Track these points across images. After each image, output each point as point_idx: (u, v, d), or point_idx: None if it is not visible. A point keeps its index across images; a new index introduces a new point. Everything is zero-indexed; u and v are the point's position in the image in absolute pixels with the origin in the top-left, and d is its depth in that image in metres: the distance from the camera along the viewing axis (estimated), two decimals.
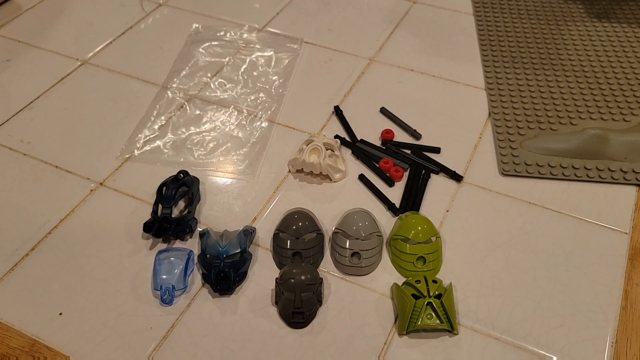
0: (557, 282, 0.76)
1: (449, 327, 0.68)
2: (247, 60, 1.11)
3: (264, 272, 0.77)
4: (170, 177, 0.85)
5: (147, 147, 0.94)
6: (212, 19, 1.21)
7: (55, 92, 1.04)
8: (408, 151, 0.93)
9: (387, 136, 0.94)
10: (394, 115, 0.98)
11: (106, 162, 0.91)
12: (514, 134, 0.95)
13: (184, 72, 1.08)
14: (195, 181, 0.86)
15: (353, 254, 0.77)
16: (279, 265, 0.77)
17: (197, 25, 1.19)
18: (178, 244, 0.80)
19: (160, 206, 0.82)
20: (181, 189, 0.84)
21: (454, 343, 0.70)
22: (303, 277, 0.71)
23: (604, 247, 0.80)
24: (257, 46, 1.14)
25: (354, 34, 1.17)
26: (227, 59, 1.11)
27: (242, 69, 1.08)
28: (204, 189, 0.87)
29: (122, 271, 0.77)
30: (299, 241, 0.77)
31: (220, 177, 0.90)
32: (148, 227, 0.79)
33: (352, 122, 0.98)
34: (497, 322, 0.72)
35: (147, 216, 0.83)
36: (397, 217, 0.83)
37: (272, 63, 1.10)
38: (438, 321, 0.68)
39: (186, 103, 1.02)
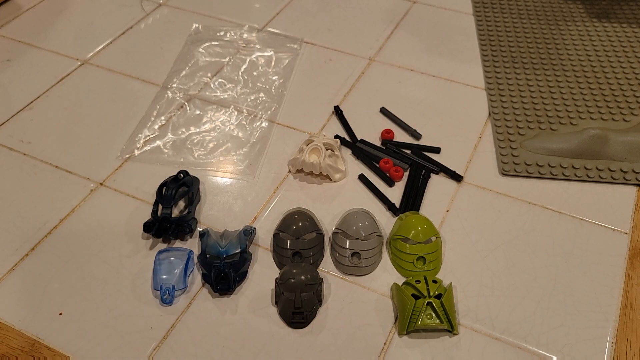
0: (557, 282, 0.76)
1: (449, 327, 0.68)
2: (247, 60, 1.11)
3: (264, 272, 0.77)
4: (170, 177, 0.85)
5: (147, 147, 0.94)
6: (212, 19, 1.21)
7: (55, 92, 1.04)
8: (408, 151, 0.93)
9: (387, 136, 0.94)
10: (394, 115, 0.98)
11: (106, 162, 0.91)
12: (514, 134, 0.95)
13: (184, 72, 1.08)
14: (195, 181, 0.86)
15: (353, 254, 0.77)
16: (279, 265, 0.77)
17: (197, 25, 1.19)
18: (178, 244, 0.80)
19: (160, 206, 0.82)
20: (181, 189, 0.84)
21: (454, 343, 0.70)
22: (303, 277, 0.71)
23: (604, 247, 0.80)
24: (257, 46, 1.14)
25: (354, 34, 1.17)
26: (227, 59, 1.11)
27: (242, 69, 1.08)
28: (204, 189, 0.87)
29: (122, 271, 0.77)
30: (299, 241, 0.77)
31: (220, 177, 0.90)
32: (148, 227, 0.79)
33: (352, 122, 0.98)
34: (497, 322, 0.72)
35: (147, 216, 0.83)
36: (397, 217, 0.83)
37: (272, 63, 1.10)
38: (438, 321, 0.68)
39: (186, 103, 1.02)
